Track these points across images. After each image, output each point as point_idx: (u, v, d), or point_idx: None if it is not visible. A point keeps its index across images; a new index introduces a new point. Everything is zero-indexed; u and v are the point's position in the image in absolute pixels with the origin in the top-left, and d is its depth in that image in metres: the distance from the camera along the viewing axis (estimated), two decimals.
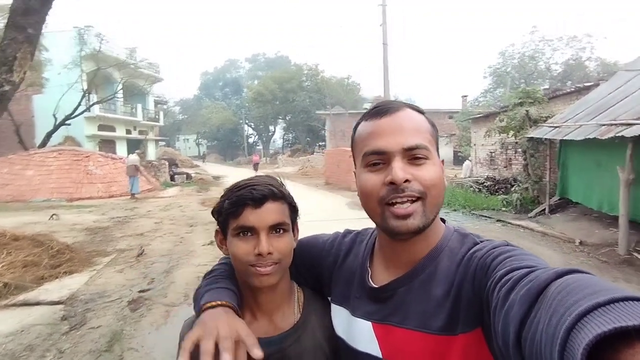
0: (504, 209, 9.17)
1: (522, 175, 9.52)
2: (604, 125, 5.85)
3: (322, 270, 0.86)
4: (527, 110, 8.74)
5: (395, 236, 0.66)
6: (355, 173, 0.72)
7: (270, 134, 51.59)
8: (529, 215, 8.32)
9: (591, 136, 5.82)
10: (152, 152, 26.92)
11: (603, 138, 5.51)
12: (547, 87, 18.59)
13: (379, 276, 0.73)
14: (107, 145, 22.66)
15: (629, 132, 5.07)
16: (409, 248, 0.68)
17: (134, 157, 13.64)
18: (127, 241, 6.93)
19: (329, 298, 0.84)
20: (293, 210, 0.82)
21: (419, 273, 0.67)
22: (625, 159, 5.41)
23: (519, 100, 9.23)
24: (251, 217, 0.74)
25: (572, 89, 9.50)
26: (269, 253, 0.73)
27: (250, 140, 56.11)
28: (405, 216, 0.62)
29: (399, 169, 0.61)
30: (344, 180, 15.86)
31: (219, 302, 0.71)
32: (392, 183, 0.62)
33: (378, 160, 0.65)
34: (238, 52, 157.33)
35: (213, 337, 0.60)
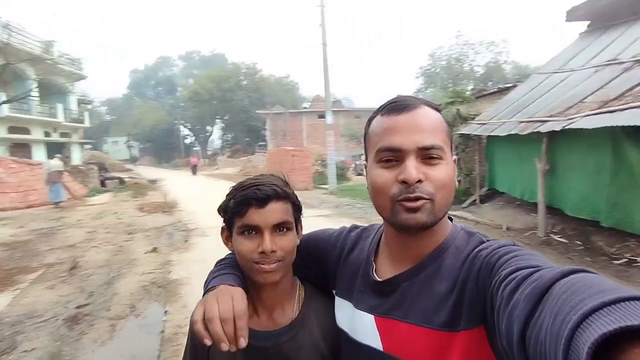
0: None
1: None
2: (523, 122, 6.54)
3: (327, 264, 0.87)
4: (457, 109, 9.47)
5: (403, 230, 0.66)
6: (365, 166, 0.73)
7: (207, 134, 49.76)
8: (463, 205, 9.01)
9: (513, 132, 6.47)
10: (77, 157, 24.55)
11: (523, 134, 6.16)
12: (472, 87, 20.19)
13: (384, 270, 0.74)
14: (21, 149, 20.18)
15: (544, 128, 5.73)
16: (416, 243, 0.69)
17: (56, 163, 12.34)
18: (55, 254, 6.29)
19: (333, 291, 0.85)
20: (296, 209, 0.84)
21: (424, 269, 0.68)
22: (542, 151, 6.11)
23: (450, 100, 9.97)
24: (255, 216, 0.76)
25: (495, 90, 10.45)
26: (273, 251, 0.76)
27: (187, 141, 53.63)
28: (415, 209, 0.62)
29: (413, 168, 0.62)
30: None
31: (225, 284, 0.75)
32: (404, 182, 0.62)
33: (391, 157, 0.64)
34: (170, 49, 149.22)
35: (217, 317, 0.63)
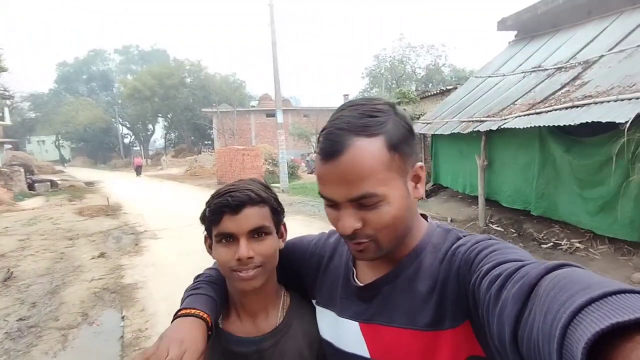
0: None
1: None
2: (463, 121, 7.09)
3: (306, 273, 0.86)
4: (404, 109, 9.97)
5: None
6: None
7: (149, 133, 47.10)
8: None
9: (455, 131, 7.00)
10: None
11: (464, 132, 6.69)
12: (414, 88, 21.21)
13: (364, 275, 0.73)
14: None
15: (482, 127, 6.27)
16: (389, 253, 0.67)
17: None
18: None
19: (314, 301, 0.84)
20: (275, 212, 0.81)
21: (403, 270, 0.67)
22: (481, 148, 6.68)
23: (397, 100, 10.49)
24: (229, 223, 0.75)
25: (437, 91, 11.15)
26: (250, 257, 0.74)
27: (126, 140, 50.40)
28: (360, 251, 0.64)
29: (347, 220, 0.60)
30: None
31: (192, 311, 0.72)
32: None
33: (330, 203, 0.63)
34: (104, 42, 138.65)
35: None
